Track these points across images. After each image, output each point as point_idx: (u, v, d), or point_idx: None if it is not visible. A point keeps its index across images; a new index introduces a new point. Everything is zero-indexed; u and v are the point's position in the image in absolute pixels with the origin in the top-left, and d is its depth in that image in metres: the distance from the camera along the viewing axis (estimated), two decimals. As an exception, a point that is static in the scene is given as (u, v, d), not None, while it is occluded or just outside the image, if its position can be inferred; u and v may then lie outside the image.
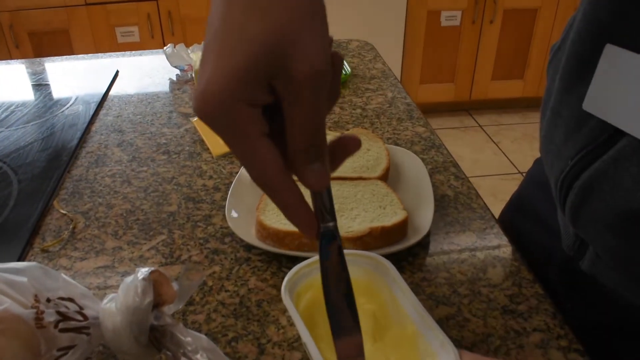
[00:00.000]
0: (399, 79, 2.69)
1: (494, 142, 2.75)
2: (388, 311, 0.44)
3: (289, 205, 0.32)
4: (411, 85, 2.75)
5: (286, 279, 0.42)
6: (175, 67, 0.96)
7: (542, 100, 0.54)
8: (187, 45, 0.97)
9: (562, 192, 0.48)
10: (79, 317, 0.36)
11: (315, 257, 0.39)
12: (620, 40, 0.41)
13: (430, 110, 2.90)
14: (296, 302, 0.41)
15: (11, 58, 2.32)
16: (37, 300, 0.36)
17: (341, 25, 2.39)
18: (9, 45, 2.32)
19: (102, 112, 0.85)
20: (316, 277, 0.43)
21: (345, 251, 0.39)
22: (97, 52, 1.87)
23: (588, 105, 0.45)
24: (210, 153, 0.73)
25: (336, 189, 0.60)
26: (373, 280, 0.45)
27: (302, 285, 0.43)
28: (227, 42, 0.28)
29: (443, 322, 0.47)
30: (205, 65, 0.29)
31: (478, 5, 2.52)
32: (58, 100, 0.87)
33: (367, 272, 0.45)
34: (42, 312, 0.35)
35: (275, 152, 0.30)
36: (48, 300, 0.37)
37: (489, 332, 0.47)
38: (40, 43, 2.35)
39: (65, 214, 0.61)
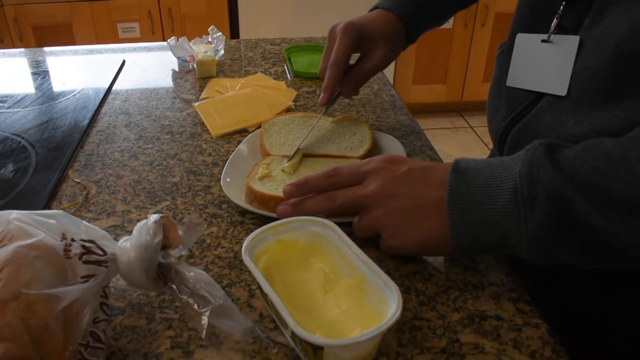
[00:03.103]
0: (393, 79, 2.77)
1: (484, 143, 2.83)
2: (337, 267, 0.51)
3: (329, 79, 0.71)
4: (404, 85, 2.83)
5: (245, 244, 0.49)
6: (178, 57, 1.03)
7: (490, 84, 0.71)
8: (189, 40, 1.04)
9: (500, 149, 0.62)
10: (100, 252, 0.43)
11: (267, 225, 0.51)
12: (528, 29, 0.58)
13: (422, 110, 2.98)
14: (255, 263, 0.48)
15: (15, 50, 2.38)
16: (64, 237, 0.43)
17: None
18: (13, 38, 2.39)
19: (110, 97, 0.92)
20: (269, 242, 0.51)
21: (295, 218, 0.53)
22: (100, 46, 1.93)
23: (510, 82, 0.60)
24: (209, 134, 0.80)
25: (320, 165, 0.67)
26: (321, 241, 0.52)
27: (259, 249, 0.50)
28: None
29: (410, 276, 0.55)
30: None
31: (470, 9, 2.60)
32: (70, 86, 0.94)
33: (315, 234, 0.52)
34: (70, 245, 0.42)
35: (346, 60, 0.72)
36: (72, 240, 0.44)
37: (449, 285, 0.54)
38: (43, 37, 2.42)
39: (79, 183, 0.68)
